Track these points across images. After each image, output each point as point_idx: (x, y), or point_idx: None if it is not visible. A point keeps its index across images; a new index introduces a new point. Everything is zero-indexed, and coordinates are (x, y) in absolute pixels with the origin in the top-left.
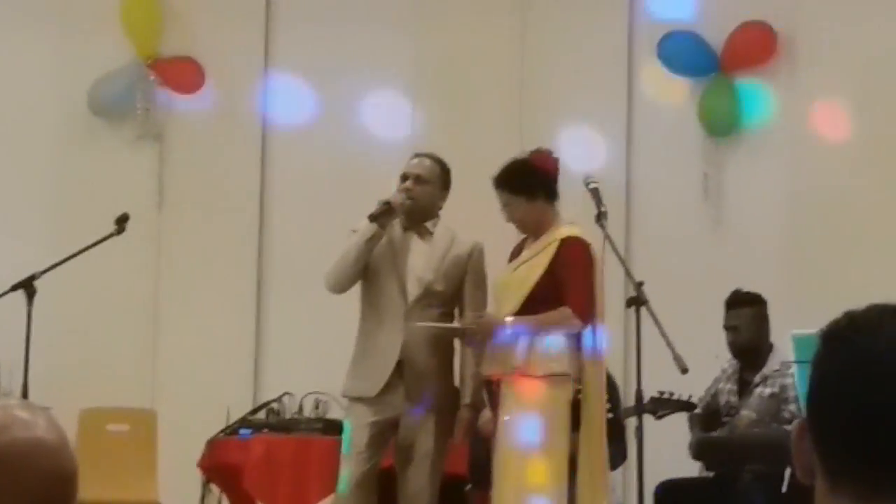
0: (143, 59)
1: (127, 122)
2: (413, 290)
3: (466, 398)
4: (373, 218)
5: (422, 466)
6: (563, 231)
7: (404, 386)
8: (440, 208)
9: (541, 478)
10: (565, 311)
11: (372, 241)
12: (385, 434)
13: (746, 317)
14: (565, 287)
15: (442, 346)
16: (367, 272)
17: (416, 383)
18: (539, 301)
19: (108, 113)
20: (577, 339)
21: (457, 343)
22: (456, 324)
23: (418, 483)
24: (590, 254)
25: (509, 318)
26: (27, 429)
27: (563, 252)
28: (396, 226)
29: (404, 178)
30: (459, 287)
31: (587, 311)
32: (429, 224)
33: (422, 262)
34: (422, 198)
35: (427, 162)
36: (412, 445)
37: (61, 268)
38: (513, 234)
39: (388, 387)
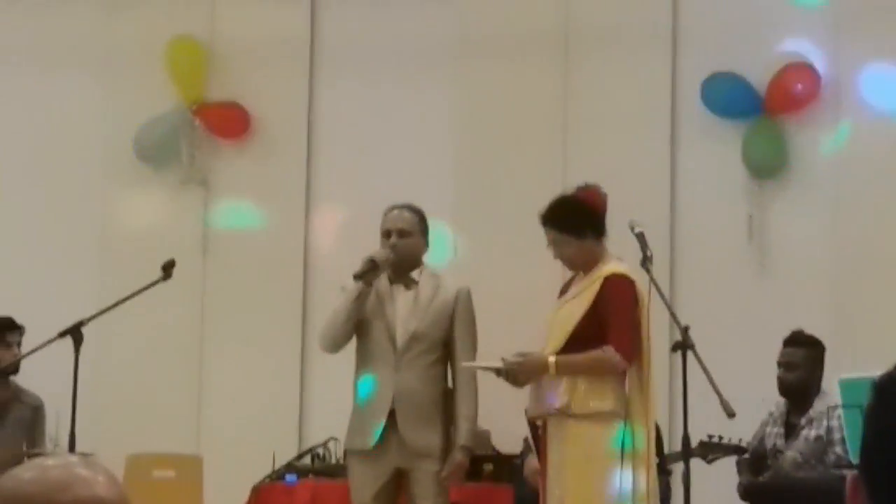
0: (189, 104)
1: (172, 167)
2: (401, 340)
3: (461, 440)
4: (358, 276)
5: None
6: (609, 268)
7: (399, 435)
8: (423, 256)
9: None
10: (608, 350)
11: (359, 299)
12: (390, 485)
13: (803, 357)
14: (608, 326)
15: (435, 393)
16: (358, 327)
17: (411, 432)
18: (583, 339)
19: (153, 158)
20: (622, 376)
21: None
22: (499, 363)
23: None
24: (634, 291)
25: (552, 358)
26: (88, 487)
27: (607, 289)
28: (383, 279)
29: (387, 233)
30: (448, 332)
31: (630, 350)
32: (414, 273)
33: (408, 311)
34: (406, 251)
35: (406, 214)
36: (416, 492)
37: (107, 313)
38: (560, 272)
39: (383, 438)
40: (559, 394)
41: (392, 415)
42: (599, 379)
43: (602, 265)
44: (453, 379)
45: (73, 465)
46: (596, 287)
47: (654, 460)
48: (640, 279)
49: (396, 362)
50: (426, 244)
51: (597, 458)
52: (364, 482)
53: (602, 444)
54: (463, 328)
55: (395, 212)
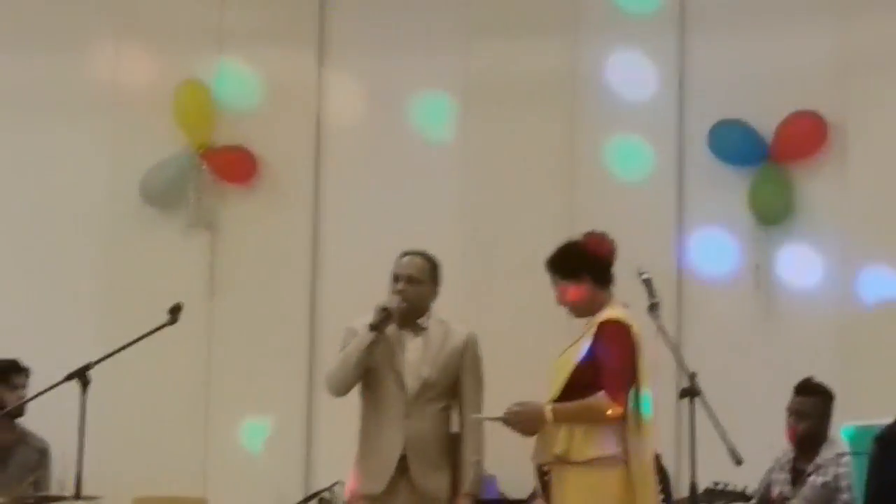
0: (196, 148)
1: (179, 211)
2: (412, 387)
3: (466, 487)
4: (374, 327)
5: None
6: (605, 314)
7: (409, 481)
8: (432, 303)
9: None
10: (600, 396)
11: (372, 346)
12: None
13: (814, 406)
14: (602, 372)
15: (443, 438)
16: (366, 373)
17: (421, 477)
18: (580, 386)
19: (160, 202)
20: (621, 421)
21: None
22: (513, 408)
23: None
24: (629, 336)
25: (548, 406)
26: None
27: (601, 335)
28: (391, 326)
29: (396, 278)
30: (456, 379)
31: (622, 395)
32: (421, 320)
33: (418, 358)
34: (415, 298)
35: (417, 261)
36: None
37: (114, 357)
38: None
39: (392, 483)
40: (558, 440)
41: (402, 460)
42: (597, 426)
43: (602, 312)
44: (461, 424)
45: None
46: (592, 333)
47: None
48: (638, 325)
49: (407, 409)
50: (435, 292)
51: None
52: None
53: (602, 490)
54: (471, 374)
55: (407, 258)
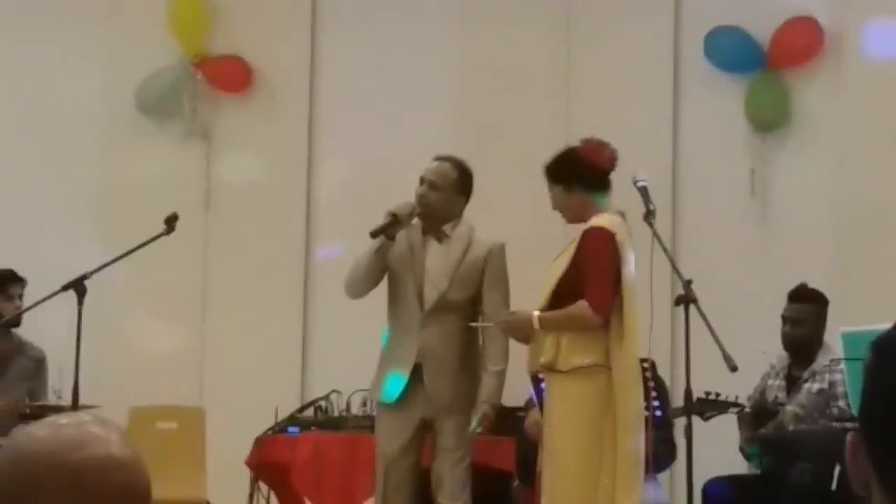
0: (190, 57)
1: (174, 120)
2: (430, 298)
3: (483, 394)
4: (374, 234)
5: (449, 462)
6: (592, 221)
7: (425, 389)
8: (460, 211)
9: (573, 476)
10: (582, 304)
11: (381, 251)
12: (416, 436)
13: (808, 313)
14: (585, 280)
15: (459, 346)
16: (390, 276)
17: (435, 387)
18: (566, 294)
19: (155, 112)
20: (605, 329)
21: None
22: (504, 315)
23: (448, 477)
24: (613, 243)
25: (535, 314)
26: (102, 445)
27: (584, 243)
28: (416, 230)
29: (421, 181)
30: (478, 290)
31: (604, 304)
32: (447, 227)
33: (437, 267)
34: (434, 204)
35: (445, 167)
36: (439, 441)
37: (110, 267)
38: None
39: (409, 391)
40: (544, 349)
41: (417, 369)
42: (582, 334)
43: (590, 220)
44: (482, 335)
45: (86, 423)
46: (577, 241)
47: (642, 413)
48: (623, 233)
49: (423, 319)
50: (462, 200)
51: (579, 413)
52: (391, 434)
53: (584, 398)
54: (493, 287)
55: (436, 163)
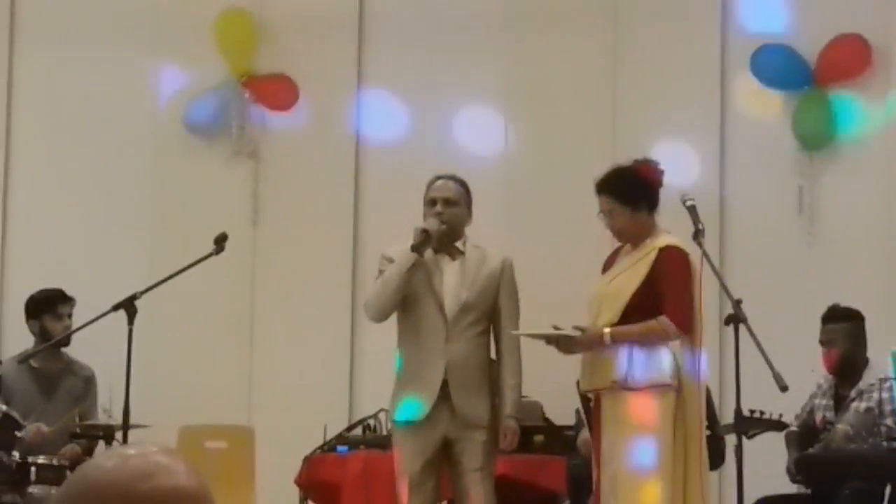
0: (238, 76)
1: (222, 139)
2: (451, 310)
3: (507, 409)
4: (416, 248)
5: (474, 482)
6: (663, 240)
7: (451, 405)
8: (466, 227)
9: (645, 494)
10: (663, 320)
11: (412, 269)
12: (437, 455)
13: (842, 331)
14: (664, 297)
15: (482, 363)
16: (404, 297)
17: (463, 402)
18: (637, 311)
19: (203, 131)
20: (675, 348)
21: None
22: (567, 331)
23: (476, 496)
24: (689, 263)
25: (607, 330)
26: (169, 476)
27: (662, 261)
28: (428, 250)
29: (433, 202)
30: (493, 303)
31: (686, 321)
32: (458, 244)
33: (456, 281)
34: (452, 220)
35: (451, 184)
36: (463, 461)
37: (159, 286)
38: (605, 244)
39: (434, 408)
40: (614, 366)
41: (443, 385)
42: (654, 351)
43: (653, 238)
44: (497, 349)
45: (153, 453)
46: (651, 259)
47: (704, 432)
48: (692, 252)
49: (447, 333)
50: (470, 215)
51: (652, 430)
52: (414, 453)
53: (657, 416)
54: (508, 298)
55: (441, 181)
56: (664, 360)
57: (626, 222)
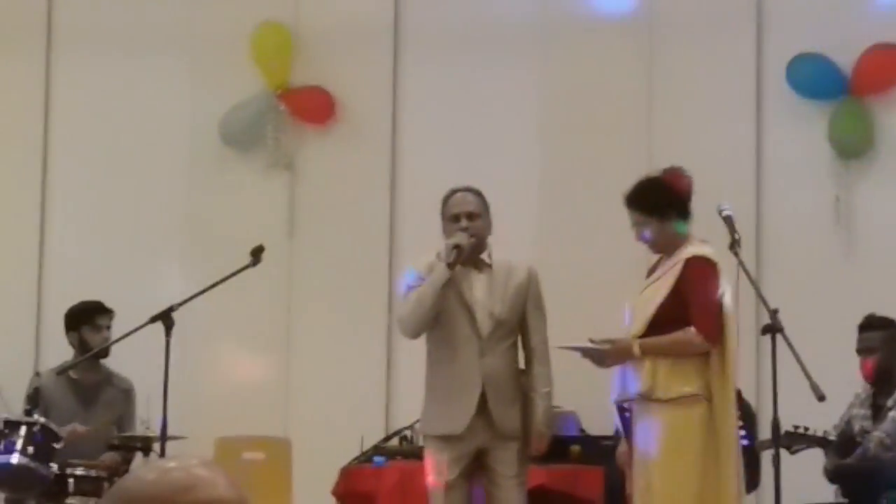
0: (274, 89)
1: (258, 151)
2: (485, 325)
3: (539, 417)
4: (451, 265)
5: (510, 488)
6: (690, 250)
7: (488, 417)
8: (489, 236)
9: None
10: (690, 331)
11: (447, 285)
12: (470, 465)
13: (879, 340)
14: (691, 307)
15: (514, 373)
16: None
17: (500, 413)
18: (665, 322)
19: (239, 143)
20: (704, 358)
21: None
22: (597, 344)
23: (511, 502)
24: (716, 273)
25: (636, 342)
26: (209, 488)
27: (688, 271)
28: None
29: (456, 218)
30: (522, 314)
31: (713, 331)
32: (483, 256)
33: (486, 294)
34: (479, 233)
35: (471, 196)
36: (498, 468)
37: (196, 298)
38: (642, 253)
39: (471, 421)
40: (641, 378)
41: (481, 398)
42: (681, 362)
43: (685, 248)
44: (526, 357)
45: (193, 466)
46: (678, 269)
47: (739, 442)
48: (727, 268)
49: (482, 347)
50: (490, 225)
51: (681, 442)
52: (450, 463)
53: (686, 427)
54: (535, 308)
55: (460, 195)
56: (692, 370)
57: (657, 234)
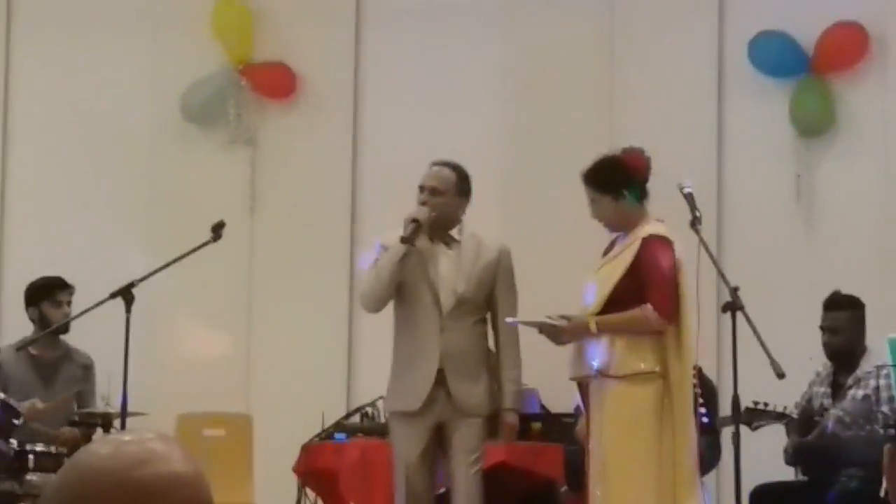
0: (235, 64)
1: (219, 127)
2: (447, 301)
3: (507, 402)
4: (406, 240)
5: (465, 464)
6: (647, 229)
7: (447, 393)
8: (462, 215)
9: (631, 482)
10: (646, 308)
11: (404, 259)
12: (432, 441)
13: (844, 320)
14: (647, 286)
15: (479, 351)
16: (399, 287)
17: (459, 390)
18: (621, 300)
19: (200, 119)
20: (661, 336)
21: (492, 346)
22: (553, 320)
23: (464, 479)
24: (672, 252)
25: (592, 319)
26: (165, 462)
27: (645, 250)
28: (423, 237)
29: (421, 189)
30: (490, 292)
31: (669, 309)
32: (453, 232)
33: (452, 271)
34: (438, 209)
35: (444, 172)
36: (454, 443)
37: (156, 274)
38: (596, 232)
39: (429, 397)
40: (598, 355)
41: (439, 374)
42: (637, 340)
43: (641, 227)
44: (495, 339)
45: (148, 440)
46: (635, 248)
47: (694, 420)
48: (678, 240)
49: (442, 323)
50: (462, 203)
51: (636, 418)
52: (410, 441)
53: (641, 404)
54: (505, 287)
55: (434, 168)
56: (648, 348)
57: (610, 212)
